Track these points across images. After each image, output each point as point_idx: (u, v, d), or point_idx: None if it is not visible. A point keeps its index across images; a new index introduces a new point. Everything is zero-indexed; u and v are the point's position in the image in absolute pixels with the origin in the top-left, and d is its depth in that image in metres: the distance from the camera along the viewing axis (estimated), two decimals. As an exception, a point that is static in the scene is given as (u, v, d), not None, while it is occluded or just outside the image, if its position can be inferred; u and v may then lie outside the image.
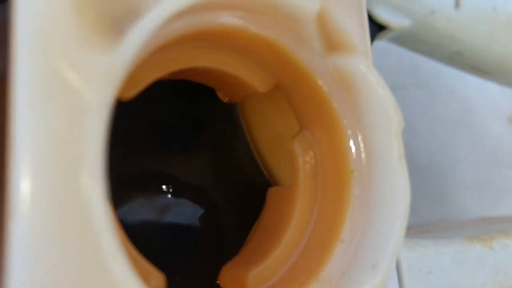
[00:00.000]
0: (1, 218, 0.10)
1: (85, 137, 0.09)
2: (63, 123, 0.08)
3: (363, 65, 0.13)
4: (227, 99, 0.16)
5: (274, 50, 0.13)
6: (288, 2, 0.11)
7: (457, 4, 0.27)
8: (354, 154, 0.14)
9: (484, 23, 0.28)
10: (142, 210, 0.15)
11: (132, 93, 0.12)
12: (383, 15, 0.26)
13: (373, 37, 0.27)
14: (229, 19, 0.12)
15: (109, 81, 0.09)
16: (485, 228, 0.28)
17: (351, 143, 0.14)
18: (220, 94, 0.16)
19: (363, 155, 0.13)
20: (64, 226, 0.08)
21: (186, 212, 0.16)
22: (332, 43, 0.13)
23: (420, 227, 0.28)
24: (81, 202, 0.08)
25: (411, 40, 0.28)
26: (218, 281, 0.15)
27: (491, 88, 0.37)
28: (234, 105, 0.17)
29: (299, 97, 0.14)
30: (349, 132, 0.14)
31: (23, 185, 0.08)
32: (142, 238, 0.14)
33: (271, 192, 0.16)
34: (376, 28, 0.27)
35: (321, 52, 0.13)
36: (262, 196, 0.16)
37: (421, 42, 0.28)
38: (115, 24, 0.10)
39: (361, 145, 0.13)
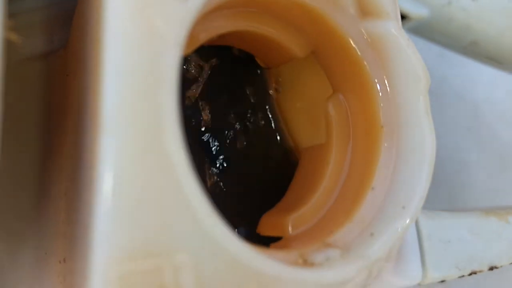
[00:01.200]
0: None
1: (164, 71, 0.10)
2: (147, 57, 0.10)
3: (394, 29, 0.14)
4: (266, 65, 0.17)
5: (313, 16, 0.15)
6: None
7: (474, -6, 0.28)
8: (384, 110, 0.15)
9: (500, 14, 0.29)
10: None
11: (188, 50, 0.14)
12: (403, 5, 0.27)
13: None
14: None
15: (184, 24, 0.10)
16: (501, 205, 0.29)
17: (381, 100, 0.15)
18: (258, 60, 0.17)
19: (392, 111, 0.15)
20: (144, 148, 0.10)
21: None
22: (366, 9, 0.15)
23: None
24: (162, 135, 0.10)
25: (429, 30, 0.30)
26: (257, 231, 0.16)
27: (499, 93, 0.39)
28: (265, 76, 0.18)
29: (334, 61, 0.16)
30: (379, 90, 0.15)
31: (116, 114, 0.10)
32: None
33: (306, 152, 0.17)
34: (397, 17, 0.28)
35: (356, 18, 0.15)
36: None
37: (438, 32, 0.30)
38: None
39: (391, 101, 0.15)
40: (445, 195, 0.36)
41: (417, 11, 0.28)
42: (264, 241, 0.15)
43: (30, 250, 0.16)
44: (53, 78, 0.17)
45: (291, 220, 0.15)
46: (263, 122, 0.18)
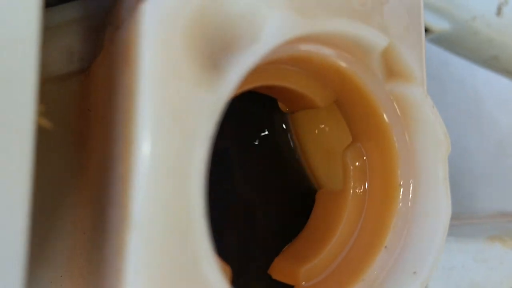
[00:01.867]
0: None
1: (193, 165, 0.10)
2: (177, 150, 0.10)
3: (420, 95, 0.14)
4: (287, 109, 0.17)
5: (343, 76, 0.15)
6: (366, 39, 0.13)
7: (498, 12, 0.28)
8: (402, 170, 0.15)
9: (522, 31, 0.29)
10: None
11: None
12: (425, 18, 0.27)
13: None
14: (308, 49, 0.13)
15: (212, 116, 0.10)
16: (505, 227, 0.29)
17: (401, 159, 0.15)
18: (281, 105, 0.17)
19: (411, 172, 0.15)
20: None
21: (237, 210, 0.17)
22: (393, 72, 0.14)
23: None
24: (185, 212, 0.10)
25: (450, 43, 0.29)
26: (269, 272, 0.17)
27: (499, 81, 0.38)
28: (287, 115, 0.18)
29: (357, 114, 0.16)
30: (400, 150, 0.15)
31: (145, 208, 0.10)
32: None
33: (321, 194, 0.17)
34: (418, 29, 0.28)
35: (382, 79, 0.15)
36: (303, 199, 0.18)
37: (459, 45, 0.29)
38: (213, 60, 0.11)
39: (411, 163, 0.15)
40: (450, 180, 0.37)
41: (439, 25, 0.28)
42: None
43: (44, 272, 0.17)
44: (75, 102, 0.17)
45: (302, 272, 0.15)
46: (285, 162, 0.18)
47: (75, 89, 0.17)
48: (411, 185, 0.15)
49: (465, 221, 0.33)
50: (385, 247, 0.15)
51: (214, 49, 0.11)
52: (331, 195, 0.17)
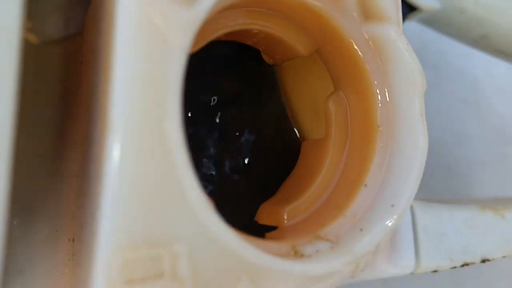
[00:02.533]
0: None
1: (168, 75, 0.11)
2: (152, 61, 0.11)
3: (394, 33, 0.15)
4: (271, 61, 0.18)
5: (319, 18, 0.15)
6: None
7: (486, -12, 0.28)
8: (381, 111, 0.16)
9: (511, 8, 0.29)
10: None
11: (195, 48, 0.14)
12: (415, -4, 0.27)
13: (404, 17, 0.29)
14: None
15: (189, 30, 0.11)
16: (498, 201, 0.29)
17: (379, 101, 0.16)
18: (265, 57, 0.18)
19: (389, 111, 0.15)
20: (148, 146, 0.11)
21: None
22: (368, 13, 0.15)
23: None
24: (164, 133, 0.11)
25: (440, 22, 0.30)
26: (255, 219, 0.17)
27: (498, 69, 0.39)
28: (274, 68, 0.19)
29: (336, 60, 0.16)
30: (378, 91, 0.16)
31: (123, 117, 0.10)
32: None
33: (306, 145, 0.18)
34: (408, 9, 0.29)
35: (359, 21, 0.15)
36: (291, 150, 0.18)
37: (449, 24, 0.30)
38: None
39: (388, 103, 0.15)
40: (444, 167, 0.37)
41: (429, 3, 0.28)
42: (262, 230, 0.16)
43: (42, 226, 0.17)
44: (70, 63, 0.18)
45: (286, 211, 0.16)
46: (270, 114, 0.19)
47: (72, 49, 0.18)
48: (389, 124, 0.15)
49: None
50: (365, 185, 0.15)
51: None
52: (315, 144, 0.17)
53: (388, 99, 0.16)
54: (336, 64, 0.16)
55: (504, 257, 0.25)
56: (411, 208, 0.24)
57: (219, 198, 0.18)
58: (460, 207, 0.25)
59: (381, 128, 0.16)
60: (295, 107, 0.19)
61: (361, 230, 0.14)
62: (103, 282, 0.10)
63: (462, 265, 0.24)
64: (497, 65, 0.38)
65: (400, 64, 0.15)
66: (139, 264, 0.11)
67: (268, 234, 0.16)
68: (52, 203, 0.17)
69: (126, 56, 0.11)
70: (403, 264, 0.23)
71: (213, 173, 0.18)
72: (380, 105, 0.16)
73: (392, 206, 0.14)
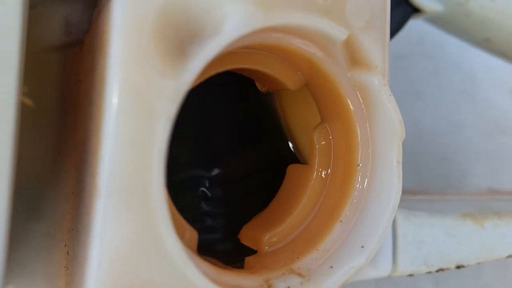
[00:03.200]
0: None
1: (154, 141, 0.12)
2: (139, 130, 0.12)
3: (378, 83, 0.15)
4: (265, 89, 0.18)
5: (308, 61, 0.16)
6: (325, 31, 0.14)
7: (494, -6, 0.28)
8: (362, 151, 0.16)
9: (514, 16, 0.29)
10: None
11: (192, 85, 0.15)
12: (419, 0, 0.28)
13: (408, 17, 0.29)
14: (277, 37, 0.14)
15: (174, 101, 0.12)
16: (481, 205, 0.31)
17: (361, 143, 0.16)
18: (258, 86, 0.18)
19: (369, 153, 0.16)
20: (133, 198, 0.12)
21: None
22: (355, 60, 0.16)
23: (423, 194, 0.31)
24: (146, 184, 0.12)
25: (443, 23, 0.30)
26: (238, 237, 0.18)
27: (495, 62, 0.39)
28: (273, 95, 0.20)
29: (323, 96, 0.17)
30: (360, 134, 0.16)
31: (110, 180, 0.11)
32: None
33: (291, 168, 0.19)
34: (411, 10, 0.29)
35: (345, 67, 0.16)
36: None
37: (452, 26, 0.30)
38: (181, 47, 0.12)
39: (369, 145, 0.16)
40: (439, 155, 0.38)
41: (432, 5, 0.28)
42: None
43: (41, 226, 0.19)
44: (68, 73, 0.19)
45: (265, 239, 0.17)
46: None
47: (71, 60, 0.19)
48: (368, 166, 0.16)
49: (445, 197, 0.34)
50: (341, 221, 0.16)
51: (181, 38, 0.12)
52: (299, 170, 0.18)
53: (370, 142, 0.16)
54: (323, 99, 0.17)
55: (478, 263, 0.27)
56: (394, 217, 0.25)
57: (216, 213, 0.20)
58: (442, 217, 0.26)
59: (360, 167, 0.16)
60: (292, 130, 0.20)
61: (331, 267, 0.15)
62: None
63: (437, 270, 0.26)
64: (494, 59, 0.38)
65: (382, 113, 0.16)
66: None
67: (248, 259, 0.17)
68: (50, 206, 0.19)
69: (116, 122, 0.11)
70: (380, 267, 0.24)
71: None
72: (361, 145, 0.16)
73: (362, 247, 0.16)
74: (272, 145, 0.20)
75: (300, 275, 0.15)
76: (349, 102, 0.16)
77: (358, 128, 0.16)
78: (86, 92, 0.16)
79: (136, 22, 0.12)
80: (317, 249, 0.16)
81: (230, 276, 0.14)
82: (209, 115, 0.19)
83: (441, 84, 0.39)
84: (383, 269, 0.25)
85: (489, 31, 0.30)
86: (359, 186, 0.16)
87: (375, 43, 0.15)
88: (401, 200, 0.27)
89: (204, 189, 0.19)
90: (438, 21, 0.30)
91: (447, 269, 0.26)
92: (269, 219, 0.18)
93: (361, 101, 0.16)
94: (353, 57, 0.15)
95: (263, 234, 0.17)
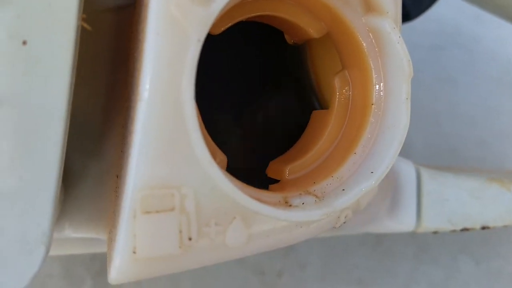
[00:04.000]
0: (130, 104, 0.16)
1: (186, 60, 0.14)
2: (174, 49, 0.14)
3: (389, 26, 0.17)
4: (292, 41, 0.21)
5: (328, 8, 0.18)
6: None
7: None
8: (376, 91, 0.18)
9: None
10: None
11: (220, 30, 0.18)
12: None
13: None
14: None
15: (205, 26, 0.14)
16: (507, 172, 0.31)
17: (375, 83, 0.18)
18: (286, 37, 0.21)
19: (382, 93, 0.18)
20: (167, 112, 0.14)
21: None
22: (369, 6, 0.18)
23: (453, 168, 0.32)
24: (180, 101, 0.14)
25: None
26: (266, 172, 0.20)
27: None
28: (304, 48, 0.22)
29: (343, 44, 0.19)
30: (375, 75, 0.18)
31: (150, 88, 0.14)
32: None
33: (314, 114, 0.21)
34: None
35: (360, 12, 0.18)
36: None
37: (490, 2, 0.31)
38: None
39: (382, 85, 0.18)
40: (478, 139, 0.39)
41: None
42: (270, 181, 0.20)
43: (96, 165, 0.21)
44: (121, 31, 0.22)
45: (288, 168, 0.19)
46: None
47: (123, 21, 0.22)
48: (381, 103, 0.18)
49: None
50: (354, 153, 0.18)
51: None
52: (320, 114, 0.20)
53: (382, 82, 0.18)
54: (343, 47, 0.19)
55: (505, 226, 0.28)
56: (418, 173, 0.26)
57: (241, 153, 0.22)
58: (468, 177, 0.27)
59: (374, 106, 0.18)
60: (319, 78, 0.22)
61: (343, 190, 0.17)
62: (129, 210, 0.14)
63: (462, 229, 0.27)
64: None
65: (392, 53, 0.17)
66: (154, 200, 0.14)
67: (271, 186, 0.19)
68: (105, 147, 0.22)
69: (155, 43, 0.14)
70: (404, 221, 0.26)
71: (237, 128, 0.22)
72: (376, 86, 0.18)
73: (372, 173, 0.17)
74: (300, 95, 0.22)
75: (315, 195, 0.17)
76: (365, 47, 0.18)
77: (373, 72, 0.18)
78: (134, 44, 0.19)
79: None
80: (332, 176, 0.18)
81: (252, 190, 0.17)
82: (241, 62, 0.21)
83: (477, 73, 0.40)
84: (408, 224, 0.26)
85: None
86: (372, 122, 0.18)
87: (387, -10, 0.17)
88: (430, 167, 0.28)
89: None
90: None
91: (472, 229, 0.27)
92: (292, 155, 0.20)
93: (375, 44, 0.18)
94: (367, 3, 0.17)
95: (286, 166, 0.19)
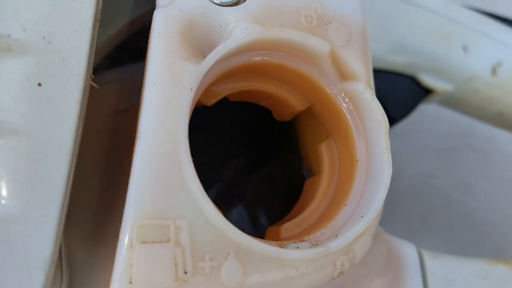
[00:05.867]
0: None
1: (180, 105, 0.16)
2: (170, 95, 0.16)
3: (362, 87, 0.19)
4: (280, 118, 0.23)
5: (307, 80, 0.20)
6: (311, 44, 0.19)
7: (493, 72, 0.32)
8: (358, 149, 0.20)
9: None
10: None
11: (212, 101, 0.20)
12: (428, 81, 0.32)
13: (420, 99, 0.33)
14: (271, 58, 0.19)
15: (196, 79, 0.17)
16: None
17: (357, 141, 0.20)
18: (274, 115, 0.23)
19: (365, 148, 0.20)
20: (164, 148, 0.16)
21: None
22: (343, 74, 0.20)
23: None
24: (174, 139, 0.16)
25: (456, 103, 0.34)
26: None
27: None
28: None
29: (325, 113, 0.21)
30: (356, 134, 0.20)
31: (148, 127, 0.16)
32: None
33: (306, 183, 0.22)
34: (424, 92, 0.33)
35: (336, 81, 0.20)
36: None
37: (464, 104, 0.34)
38: (203, 53, 0.18)
39: (364, 142, 0.20)
40: (490, 245, 0.37)
41: (442, 86, 0.32)
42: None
43: (99, 251, 0.22)
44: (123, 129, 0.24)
45: (283, 228, 0.20)
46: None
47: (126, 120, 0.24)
48: (365, 158, 0.20)
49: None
50: (345, 205, 0.19)
51: (202, 44, 0.18)
52: (312, 180, 0.22)
53: (364, 139, 0.20)
54: (325, 115, 0.21)
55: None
56: (420, 254, 0.26)
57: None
58: (470, 259, 0.27)
59: (359, 162, 0.20)
60: (306, 149, 0.24)
61: (336, 235, 0.18)
62: (127, 240, 0.15)
63: (475, 312, 0.26)
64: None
65: (368, 111, 0.19)
66: (151, 231, 0.15)
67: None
68: (107, 233, 0.22)
69: (153, 90, 0.16)
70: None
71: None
72: (358, 144, 0.20)
73: (362, 216, 0.18)
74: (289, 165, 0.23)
75: (310, 243, 0.18)
76: (344, 111, 0.20)
77: (354, 132, 0.20)
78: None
79: (167, 33, 0.17)
80: (325, 227, 0.19)
81: (249, 236, 0.17)
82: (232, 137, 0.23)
83: (492, 177, 0.40)
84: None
85: (498, 104, 0.33)
86: (359, 176, 0.19)
87: (356, 58, 0.20)
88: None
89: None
90: (451, 101, 0.34)
91: (486, 312, 0.26)
92: (287, 219, 0.21)
93: (352, 107, 0.20)
94: (341, 71, 0.20)
95: (281, 226, 0.20)
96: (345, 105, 0.20)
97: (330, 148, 0.21)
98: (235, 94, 0.21)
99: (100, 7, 0.17)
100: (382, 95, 0.22)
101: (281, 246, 0.17)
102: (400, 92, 0.31)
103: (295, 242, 0.18)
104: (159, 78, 0.16)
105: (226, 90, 0.20)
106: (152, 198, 0.15)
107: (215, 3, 0.18)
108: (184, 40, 0.17)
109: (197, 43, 0.17)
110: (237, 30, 0.18)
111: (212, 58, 0.17)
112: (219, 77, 0.19)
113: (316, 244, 0.18)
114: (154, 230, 0.15)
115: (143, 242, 0.15)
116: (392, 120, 0.33)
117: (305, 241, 0.18)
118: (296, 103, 0.21)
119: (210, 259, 0.16)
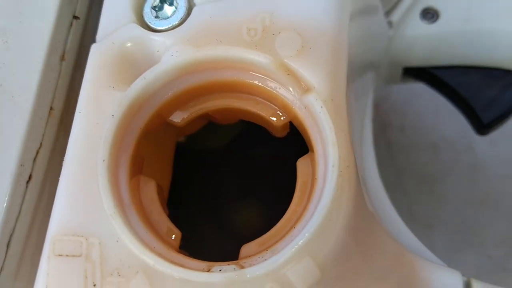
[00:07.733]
0: None
1: (103, 130, 0.18)
2: (93, 122, 0.18)
3: (312, 98, 0.18)
4: (274, 134, 0.22)
5: (269, 94, 0.19)
6: (249, 58, 0.18)
7: None
8: (319, 165, 0.18)
9: None
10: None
11: (181, 123, 0.20)
12: None
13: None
14: (226, 75, 0.19)
15: (120, 106, 0.18)
16: None
17: (318, 158, 0.18)
18: (270, 132, 0.22)
19: (323, 165, 0.18)
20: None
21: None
22: (301, 87, 0.18)
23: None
24: (94, 162, 0.17)
25: None
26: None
27: None
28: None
29: (299, 128, 0.20)
30: (317, 150, 0.18)
31: (69, 153, 0.18)
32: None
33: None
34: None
35: (298, 95, 0.19)
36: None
37: None
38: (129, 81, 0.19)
39: (323, 159, 0.18)
40: None
41: None
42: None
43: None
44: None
45: (243, 247, 0.19)
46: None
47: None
48: (322, 177, 0.18)
49: None
50: (294, 227, 0.18)
51: (136, 72, 0.19)
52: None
53: (323, 155, 0.18)
54: (300, 130, 0.20)
55: None
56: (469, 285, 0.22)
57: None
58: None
59: (317, 180, 0.18)
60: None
61: (265, 260, 0.17)
62: (47, 252, 0.17)
63: None
64: None
65: (319, 124, 0.18)
66: (65, 245, 0.17)
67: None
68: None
69: (78, 119, 0.18)
70: None
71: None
72: (318, 159, 0.18)
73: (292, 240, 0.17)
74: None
75: (241, 266, 0.17)
76: (306, 126, 0.19)
77: (316, 149, 0.18)
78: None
79: (98, 65, 0.19)
80: (267, 251, 0.18)
81: (179, 257, 0.18)
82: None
83: None
84: None
85: None
86: (316, 196, 0.18)
87: (314, 66, 0.18)
88: None
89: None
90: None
91: None
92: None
93: (313, 120, 0.18)
94: (298, 82, 0.18)
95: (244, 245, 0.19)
96: (309, 119, 0.19)
97: (305, 165, 0.20)
98: (213, 113, 0.21)
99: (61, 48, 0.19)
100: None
101: (208, 269, 0.17)
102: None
103: (227, 265, 0.17)
104: (84, 108, 0.18)
105: (203, 110, 0.20)
106: (71, 216, 0.17)
107: (155, 30, 0.19)
108: (115, 70, 0.18)
109: (131, 71, 0.19)
110: (167, 54, 0.18)
111: (137, 84, 0.18)
112: (177, 98, 0.20)
113: (244, 267, 0.17)
114: (68, 245, 0.17)
115: (59, 255, 0.17)
116: (479, 122, 0.28)
117: (238, 264, 0.17)
118: (272, 118, 0.20)
119: (119, 275, 0.17)
